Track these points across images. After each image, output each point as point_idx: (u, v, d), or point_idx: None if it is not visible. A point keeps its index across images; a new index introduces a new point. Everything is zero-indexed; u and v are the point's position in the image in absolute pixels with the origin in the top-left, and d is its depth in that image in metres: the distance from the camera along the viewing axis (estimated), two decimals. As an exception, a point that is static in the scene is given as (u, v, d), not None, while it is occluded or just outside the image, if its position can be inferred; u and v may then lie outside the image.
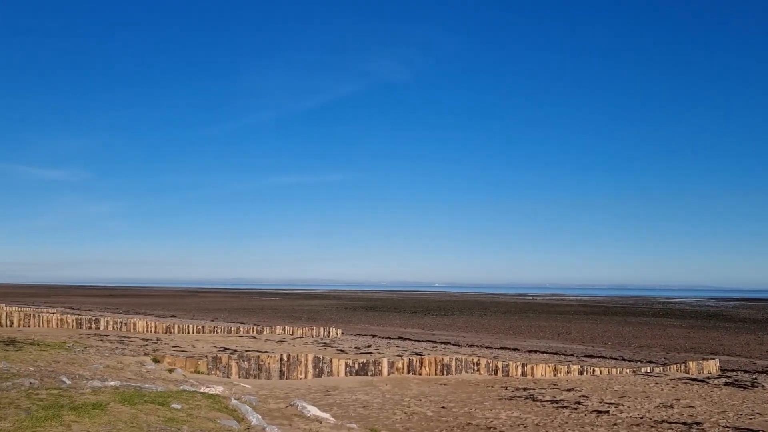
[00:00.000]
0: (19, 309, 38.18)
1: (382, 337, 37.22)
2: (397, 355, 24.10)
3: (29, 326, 30.27)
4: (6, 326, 29.30)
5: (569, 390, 18.15)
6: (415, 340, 35.78)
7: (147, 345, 25.13)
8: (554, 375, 21.38)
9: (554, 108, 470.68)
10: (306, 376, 18.22)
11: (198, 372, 16.53)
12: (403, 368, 19.79)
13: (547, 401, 16.08)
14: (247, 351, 24.06)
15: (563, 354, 30.65)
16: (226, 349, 25.47)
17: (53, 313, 36.74)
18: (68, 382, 9.15)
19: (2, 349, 13.25)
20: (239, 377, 17.15)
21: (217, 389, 11.59)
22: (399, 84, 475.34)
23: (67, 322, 31.81)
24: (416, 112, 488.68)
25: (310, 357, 18.70)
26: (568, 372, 21.68)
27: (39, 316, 32.15)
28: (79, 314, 42.02)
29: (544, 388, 18.28)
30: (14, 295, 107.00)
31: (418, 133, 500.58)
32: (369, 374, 19.05)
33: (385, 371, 19.34)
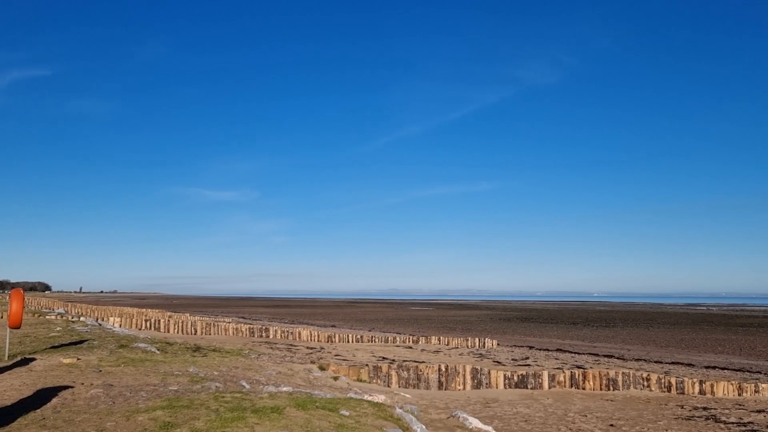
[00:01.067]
0: (201, 318, 42.16)
1: (540, 349, 36.01)
2: (557, 368, 23.17)
3: (210, 334, 33.31)
4: (191, 334, 32.49)
5: (759, 411, 16.25)
6: (574, 353, 34.19)
7: (312, 353, 26.53)
8: (739, 394, 19.28)
9: (727, 104, 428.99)
10: (464, 387, 18.13)
11: (360, 380, 17.10)
12: (564, 382, 18.98)
13: (733, 423, 14.52)
14: (404, 361, 24.48)
15: (748, 371, 27.55)
16: (384, 358, 26.12)
17: (229, 323, 40.14)
18: (247, 386, 9.88)
19: (191, 354, 14.69)
20: (399, 386, 17.49)
21: (380, 398, 11.88)
22: (549, 87, 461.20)
23: (241, 330, 34.55)
24: (567, 115, 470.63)
25: (468, 368, 18.58)
26: (756, 391, 19.43)
27: (217, 325, 35.27)
28: (251, 324, 45.46)
29: (728, 409, 16.54)
30: (195, 306, 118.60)
31: (570, 136, 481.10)
32: (528, 387, 18.51)
33: (545, 384, 18.68)
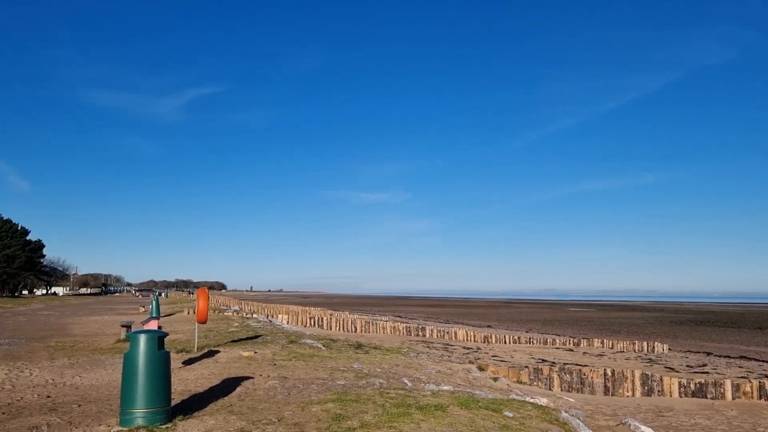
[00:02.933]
0: (360, 317, 43.83)
1: (719, 356, 32.78)
2: (742, 377, 20.96)
3: (369, 332, 34.55)
4: (352, 332, 33.93)
5: None
6: (762, 361, 30.68)
7: (468, 353, 26.48)
8: None
9: None
10: (633, 394, 17.05)
11: (520, 382, 16.76)
12: (752, 392, 17.11)
13: None
14: (565, 364, 23.57)
15: None
16: (543, 360, 25.35)
17: (386, 321, 41.37)
18: (409, 384, 10.10)
19: (354, 351, 15.35)
20: (561, 390, 16.87)
21: (542, 401, 11.55)
22: (719, 67, 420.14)
23: (398, 329, 35.41)
24: (742, 97, 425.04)
25: (637, 373, 17.44)
26: None
27: (376, 323, 36.47)
28: (407, 323, 46.46)
29: None
30: (353, 304, 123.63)
31: (746, 121, 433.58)
32: (708, 396, 16.94)
33: (728, 394, 16.98)
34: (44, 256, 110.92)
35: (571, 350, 31.81)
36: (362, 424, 6.54)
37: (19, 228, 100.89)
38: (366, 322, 36.55)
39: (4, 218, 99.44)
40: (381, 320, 42.63)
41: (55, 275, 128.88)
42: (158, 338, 6.96)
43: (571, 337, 39.99)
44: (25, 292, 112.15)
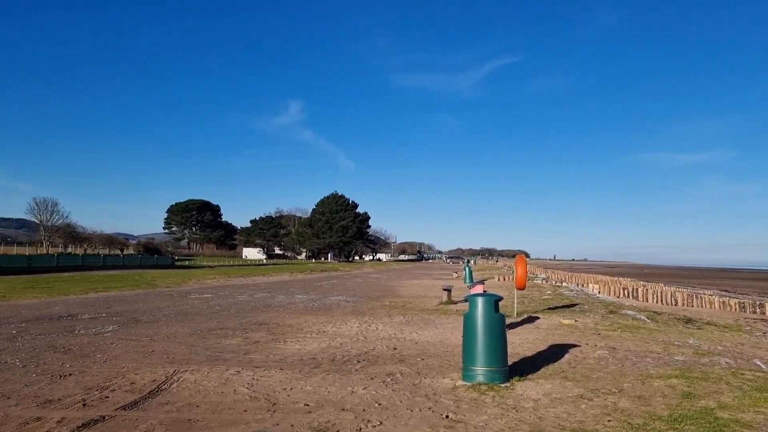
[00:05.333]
0: (681, 290, 40.03)
1: None
2: None
3: (691, 306, 31.26)
4: (671, 305, 31.15)
5: None
6: None
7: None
8: None
9: None
10: None
11: None
12: None
13: None
14: None
15: None
16: None
17: (711, 295, 36.94)
18: (764, 367, 8.84)
19: (683, 326, 14.04)
20: None
21: None
22: None
23: (729, 305, 31.32)
24: None
25: None
26: None
27: (701, 297, 32.84)
28: (738, 298, 40.85)
29: None
30: (666, 276, 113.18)
31: None
32: None
33: None
34: (370, 226, 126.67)
35: None
36: (720, 405, 5.92)
37: (350, 202, 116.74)
38: (689, 295, 33.14)
39: (339, 194, 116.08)
40: (705, 294, 38.23)
41: (378, 243, 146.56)
42: (494, 301, 7.30)
43: None
44: (356, 258, 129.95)
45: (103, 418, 5.52)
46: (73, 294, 22.27)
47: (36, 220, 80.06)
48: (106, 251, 74.28)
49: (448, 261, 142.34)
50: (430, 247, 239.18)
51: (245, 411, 5.86)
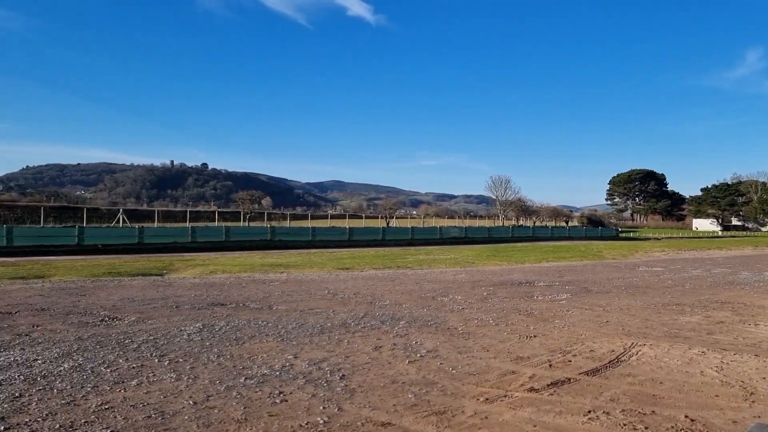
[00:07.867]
0: None
1: None
2: None
3: None
4: None
5: None
6: None
7: None
8: None
9: None
10: None
11: None
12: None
13: None
14: None
15: None
16: None
17: None
18: None
19: None
20: None
21: None
22: None
23: None
24: None
25: None
26: None
27: None
28: None
29: None
30: None
31: None
32: None
33: None
34: None
35: None
36: None
37: None
38: None
39: None
40: None
41: None
42: None
43: None
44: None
45: (569, 380, 5.84)
46: (528, 262, 24.31)
47: (492, 196, 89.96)
48: (552, 223, 78.69)
49: None
50: None
51: (716, 396, 5.39)
